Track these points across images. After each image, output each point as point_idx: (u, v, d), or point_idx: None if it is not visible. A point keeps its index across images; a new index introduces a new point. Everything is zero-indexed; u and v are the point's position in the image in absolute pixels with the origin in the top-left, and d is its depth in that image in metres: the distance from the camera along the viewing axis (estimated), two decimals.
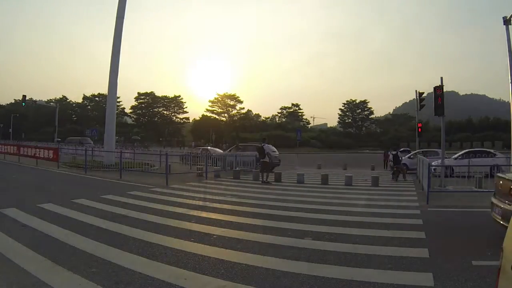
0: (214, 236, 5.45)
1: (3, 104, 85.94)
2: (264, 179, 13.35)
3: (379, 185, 12.71)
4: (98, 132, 37.13)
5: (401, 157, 17.23)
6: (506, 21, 11.50)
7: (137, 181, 12.67)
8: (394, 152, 16.58)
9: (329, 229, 5.95)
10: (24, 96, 33.50)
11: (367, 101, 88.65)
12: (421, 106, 21.07)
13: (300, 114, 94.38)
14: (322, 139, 76.96)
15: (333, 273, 3.86)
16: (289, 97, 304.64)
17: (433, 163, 12.76)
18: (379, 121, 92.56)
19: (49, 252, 4.44)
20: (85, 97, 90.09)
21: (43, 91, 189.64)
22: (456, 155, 17.52)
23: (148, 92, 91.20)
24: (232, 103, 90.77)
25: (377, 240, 5.27)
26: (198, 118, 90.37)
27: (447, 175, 12.93)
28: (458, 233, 5.78)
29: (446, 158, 14.97)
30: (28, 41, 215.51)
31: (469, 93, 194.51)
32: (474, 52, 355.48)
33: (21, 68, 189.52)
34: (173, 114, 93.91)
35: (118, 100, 63.01)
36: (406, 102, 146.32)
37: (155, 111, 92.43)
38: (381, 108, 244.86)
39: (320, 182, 13.36)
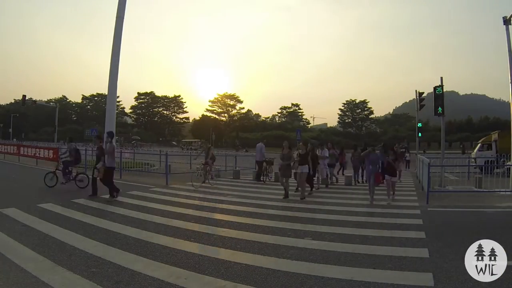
0: (214, 236, 5.45)
1: (3, 104, 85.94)
2: None
3: (379, 185, 12.68)
4: (98, 132, 37.13)
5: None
6: (506, 21, 11.47)
7: (137, 181, 12.66)
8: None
9: (329, 229, 5.95)
10: (24, 96, 33.44)
11: (367, 101, 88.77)
12: (421, 106, 21.06)
13: (300, 114, 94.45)
14: (322, 139, 76.97)
15: (333, 273, 3.86)
16: (289, 97, 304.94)
17: None
18: (379, 121, 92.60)
19: (49, 252, 4.44)
20: (84, 97, 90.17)
21: (43, 91, 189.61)
22: None
23: (148, 92, 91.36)
24: (232, 103, 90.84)
25: (377, 240, 5.27)
26: (198, 118, 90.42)
27: None
28: (458, 233, 5.78)
29: None
30: (28, 41, 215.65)
31: (469, 93, 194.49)
32: (474, 52, 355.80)
33: (21, 68, 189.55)
34: (173, 114, 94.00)
35: (118, 100, 63.04)
36: (406, 102, 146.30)
37: (155, 111, 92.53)
38: (381, 108, 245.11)
39: (320, 182, 13.33)
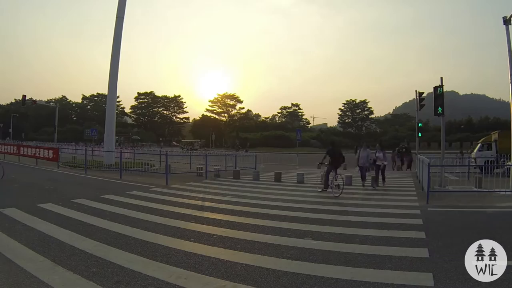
0: (214, 236, 5.45)
1: (3, 104, 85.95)
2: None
3: (379, 185, 12.70)
4: (98, 132, 37.18)
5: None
6: (506, 21, 11.48)
7: (137, 181, 12.67)
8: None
9: (329, 229, 5.95)
10: (24, 96, 33.43)
11: (367, 101, 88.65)
12: (421, 106, 21.06)
13: (300, 114, 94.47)
14: (322, 139, 76.94)
15: (333, 273, 3.87)
16: (289, 97, 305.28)
17: None
18: (379, 121, 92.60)
19: (49, 252, 4.45)
20: (84, 97, 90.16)
21: (43, 91, 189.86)
22: None
23: (148, 92, 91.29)
24: (232, 103, 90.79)
25: (377, 240, 5.27)
26: (198, 118, 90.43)
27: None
28: (458, 233, 5.79)
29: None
30: (28, 41, 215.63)
31: (469, 93, 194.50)
32: (474, 52, 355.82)
33: (21, 68, 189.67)
34: (173, 114, 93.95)
35: (118, 100, 63.07)
36: (406, 102, 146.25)
37: (155, 111, 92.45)
38: (381, 108, 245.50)
39: (320, 182, 13.34)
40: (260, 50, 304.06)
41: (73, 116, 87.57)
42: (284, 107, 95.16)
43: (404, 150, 24.67)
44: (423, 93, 20.99)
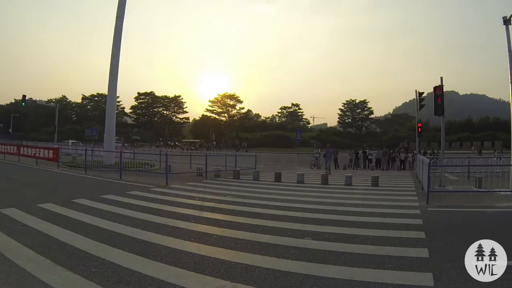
0: (214, 236, 5.45)
1: (3, 104, 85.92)
2: None
3: (379, 185, 12.71)
4: (98, 132, 37.19)
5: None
6: (506, 21, 11.48)
7: (137, 181, 12.67)
8: None
9: (329, 229, 5.95)
10: (24, 96, 33.40)
11: (367, 101, 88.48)
12: (421, 106, 21.04)
13: (300, 114, 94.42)
14: (322, 139, 76.85)
15: (333, 273, 3.87)
16: (289, 97, 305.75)
17: None
18: (379, 121, 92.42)
19: (49, 252, 4.45)
20: (84, 97, 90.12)
21: (43, 91, 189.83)
22: None
23: (148, 92, 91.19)
24: (232, 103, 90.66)
25: (377, 240, 5.27)
26: (198, 118, 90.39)
27: None
28: (458, 233, 5.79)
29: None
30: (28, 41, 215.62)
31: (469, 93, 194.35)
32: (474, 52, 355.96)
33: (22, 68, 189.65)
34: (173, 114, 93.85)
35: (118, 100, 63.05)
36: (406, 102, 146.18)
37: (155, 111, 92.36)
38: (381, 108, 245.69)
39: (320, 182, 13.36)
40: (260, 51, 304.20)
41: (73, 116, 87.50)
42: (284, 107, 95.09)
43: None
44: (423, 93, 20.96)
